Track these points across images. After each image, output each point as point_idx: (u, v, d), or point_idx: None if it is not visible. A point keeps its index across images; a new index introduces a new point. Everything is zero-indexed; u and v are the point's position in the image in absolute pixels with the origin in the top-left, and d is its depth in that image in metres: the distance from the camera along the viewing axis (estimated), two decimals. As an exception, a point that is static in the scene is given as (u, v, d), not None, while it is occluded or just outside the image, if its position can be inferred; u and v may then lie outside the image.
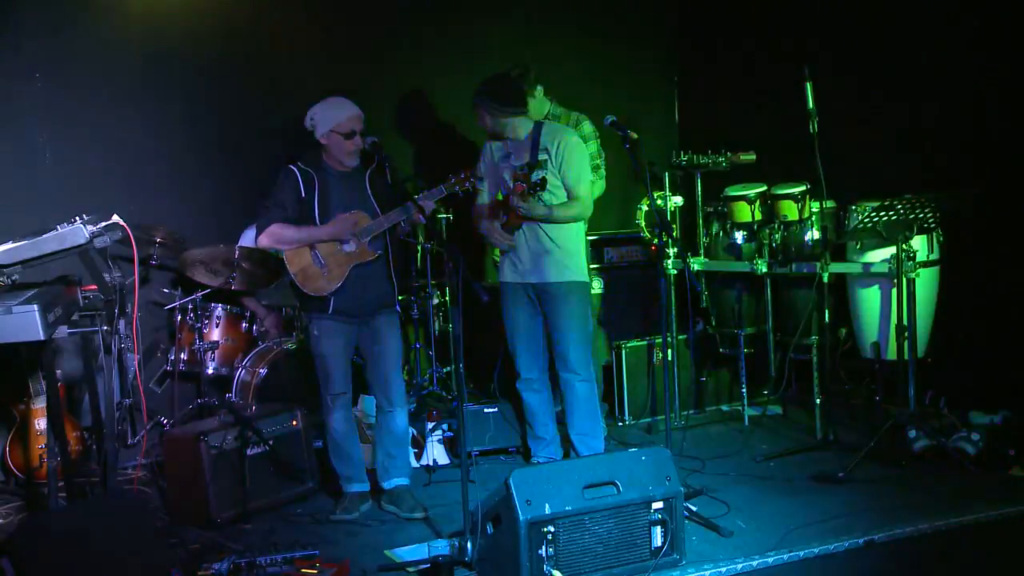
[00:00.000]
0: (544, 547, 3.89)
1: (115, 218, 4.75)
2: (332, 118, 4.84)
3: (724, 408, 6.81)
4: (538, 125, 5.44)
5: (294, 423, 5.35)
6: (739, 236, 6.43)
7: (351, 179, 4.94)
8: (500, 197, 5.36)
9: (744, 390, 6.40)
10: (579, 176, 5.32)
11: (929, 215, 5.41)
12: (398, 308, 5.13)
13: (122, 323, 5.04)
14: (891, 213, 5.32)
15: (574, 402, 5.44)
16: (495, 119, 5.35)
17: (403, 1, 7.28)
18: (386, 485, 5.10)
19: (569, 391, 5.44)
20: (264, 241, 4.92)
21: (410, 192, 5.21)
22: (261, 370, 5.97)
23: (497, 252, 5.62)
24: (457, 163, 5.28)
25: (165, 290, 6.28)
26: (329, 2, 7.06)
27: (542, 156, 5.30)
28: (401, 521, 4.92)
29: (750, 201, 6.17)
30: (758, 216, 6.18)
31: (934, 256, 5.83)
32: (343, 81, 6.22)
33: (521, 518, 3.85)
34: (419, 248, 6.72)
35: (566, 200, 5.32)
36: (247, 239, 6.41)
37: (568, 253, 5.38)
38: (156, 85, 6.48)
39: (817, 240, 6.09)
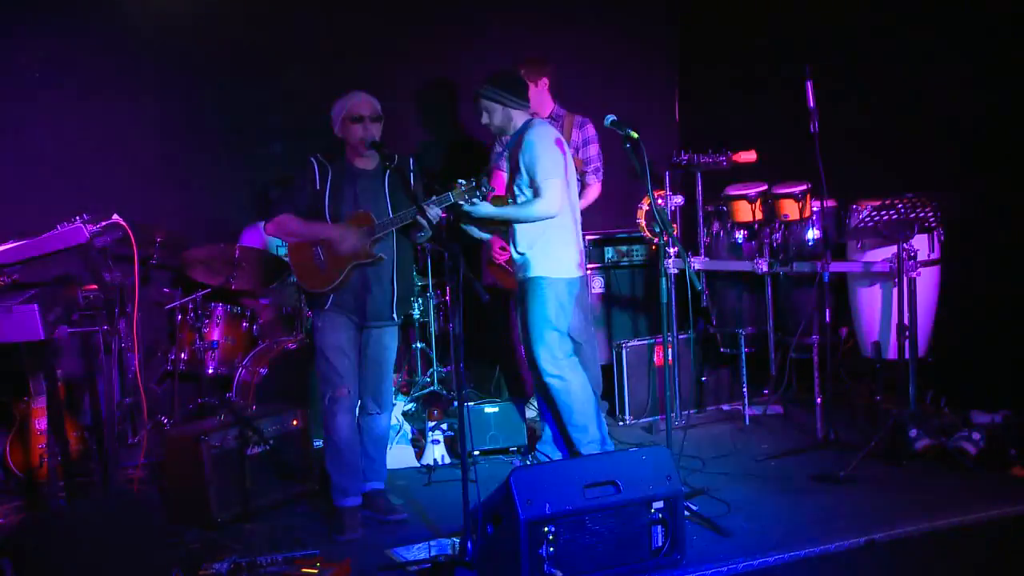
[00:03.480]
0: (544, 547, 3.87)
1: (115, 217, 4.75)
2: (343, 106, 4.82)
3: (724, 407, 6.80)
4: (527, 123, 5.30)
5: (295, 423, 5.34)
6: (740, 235, 6.44)
7: (368, 178, 4.86)
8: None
9: (745, 389, 6.39)
10: (532, 176, 5.18)
11: (930, 214, 5.40)
12: (396, 318, 4.95)
13: (122, 323, 5.04)
14: (892, 212, 5.31)
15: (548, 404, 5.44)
16: (506, 111, 5.25)
17: (403, 1, 7.27)
18: (362, 489, 5.00)
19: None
20: (271, 229, 4.86)
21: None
22: (261, 369, 5.97)
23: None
24: (465, 167, 5.30)
25: (165, 290, 6.29)
26: (331, 2, 7.05)
27: (502, 158, 5.30)
28: (401, 521, 4.88)
29: (751, 200, 6.17)
30: (759, 215, 6.17)
31: (935, 255, 5.83)
32: (345, 81, 6.21)
33: (521, 517, 3.83)
34: (422, 247, 6.71)
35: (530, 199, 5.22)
36: (248, 238, 6.42)
37: (524, 250, 5.27)
38: (156, 84, 6.49)
39: (818, 239, 6.09)
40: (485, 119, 5.33)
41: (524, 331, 5.31)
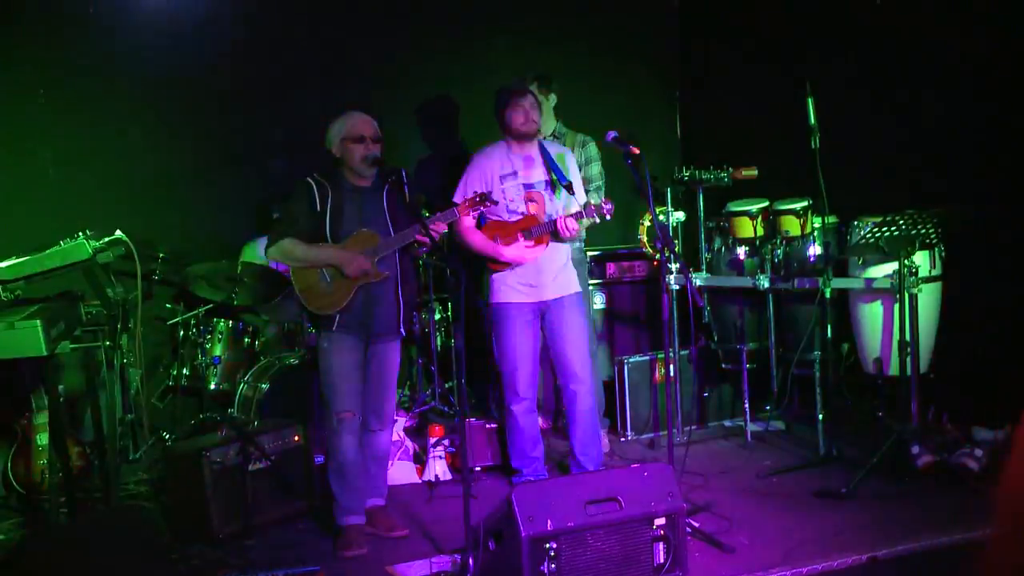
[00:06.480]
0: (546, 563, 3.86)
1: (118, 233, 4.77)
2: (343, 126, 4.81)
3: (727, 424, 6.78)
4: (539, 143, 5.45)
5: (296, 439, 5.32)
6: (741, 251, 6.43)
7: (367, 195, 4.85)
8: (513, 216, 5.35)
9: (747, 406, 6.37)
10: (583, 195, 5.43)
11: (931, 230, 5.39)
12: (402, 332, 4.95)
13: (125, 338, 5.05)
14: (893, 228, 5.31)
15: (582, 414, 5.44)
16: (546, 112, 5.37)
17: (405, 18, 7.30)
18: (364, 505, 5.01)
19: (578, 402, 5.44)
20: (273, 254, 4.85)
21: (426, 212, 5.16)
22: (263, 385, 5.96)
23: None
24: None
25: (167, 305, 6.28)
26: (333, 18, 7.07)
27: (569, 177, 5.36)
28: (402, 537, 4.88)
29: (752, 216, 6.17)
30: (760, 231, 6.18)
31: (936, 271, 5.83)
32: (347, 97, 6.22)
33: (523, 534, 3.82)
34: (421, 263, 6.72)
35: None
36: (249, 254, 6.42)
37: (573, 264, 5.53)
38: (158, 100, 6.51)
39: (819, 255, 6.09)
40: (535, 115, 5.35)
41: (584, 341, 5.47)
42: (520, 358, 5.42)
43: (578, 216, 5.21)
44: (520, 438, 5.50)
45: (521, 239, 5.30)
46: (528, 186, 5.35)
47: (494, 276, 5.41)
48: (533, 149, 5.41)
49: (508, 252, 5.31)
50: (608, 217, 5.22)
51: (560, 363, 5.48)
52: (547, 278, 5.38)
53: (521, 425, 5.48)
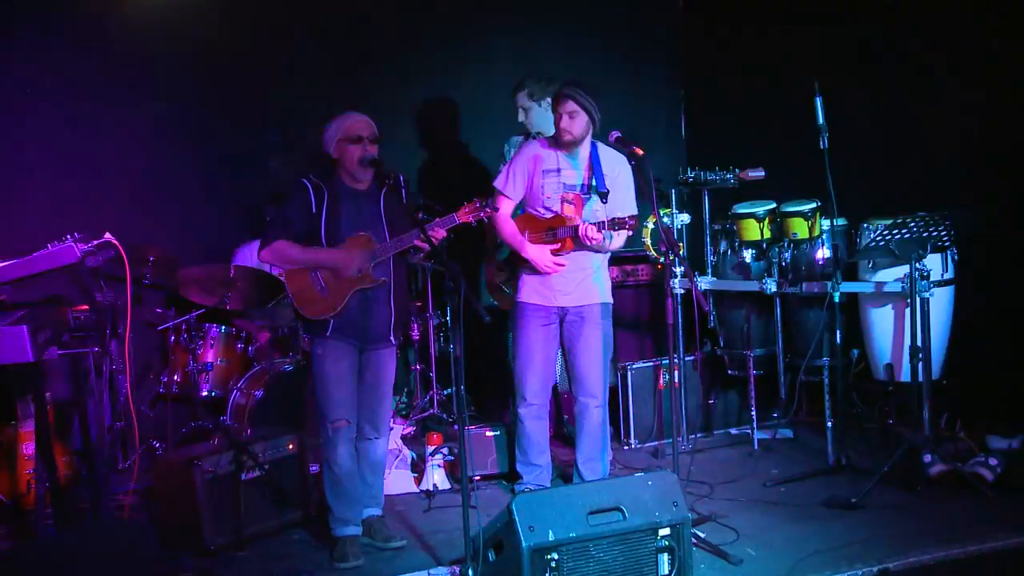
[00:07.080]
0: (548, 575, 3.81)
1: (107, 236, 4.73)
2: (340, 127, 4.74)
3: (733, 431, 6.73)
4: (595, 145, 5.27)
5: (290, 447, 5.26)
6: (748, 254, 6.41)
7: (364, 198, 4.79)
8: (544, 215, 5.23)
9: (753, 413, 6.31)
10: (632, 209, 5.20)
11: (943, 233, 5.34)
12: (394, 340, 4.88)
13: (114, 344, 5.01)
14: (904, 231, 5.26)
15: (589, 428, 5.33)
16: (590, 118, 5.14)
17: (405, 17, 7.29)
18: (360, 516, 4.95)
19: (586, 416, 5.33)
20: (266, 256, 4.77)
21: (423, 216, 5.05)
22: (256, 392, 5.91)
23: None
24: (466, 186, 5.21)
25: (158, 310, 6.23)
26: (329, 18, 7.05)
27: (609, 187, 5.17)
28: (399, 548, 4.81)
29: (759, 219, 6.13)
30: (767, 234, 6.14)
31: (948, 275, 5.79)
32: (344, 99, 6.13)
33: (524, 545, 3.78)
34: (420, 267, 6.65)
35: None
36: (242, 257, 6.35)
37: (603, 275, 5.34)
38: (150, 102, 6.52)
39: (828, 259, 6.03)
40: (566, 122, 5.12)
41: (599, 354, 5.27)
42: (530, 361, 5.32)
43: (600, 226, 5.06)
44: (526, 443, 5.41)
45: (546, 239, 5.19)
46: (569, 187, 5.24)
47: (523, 275, 5.33)
48: (583, 151, 5.27)
49: (531, 251, 5.21)
50: (630, 233, 5.07)
51: (573, 374, 5.38)
52: (569, 284, 5.26)
53: (527, 430, 5.38)
